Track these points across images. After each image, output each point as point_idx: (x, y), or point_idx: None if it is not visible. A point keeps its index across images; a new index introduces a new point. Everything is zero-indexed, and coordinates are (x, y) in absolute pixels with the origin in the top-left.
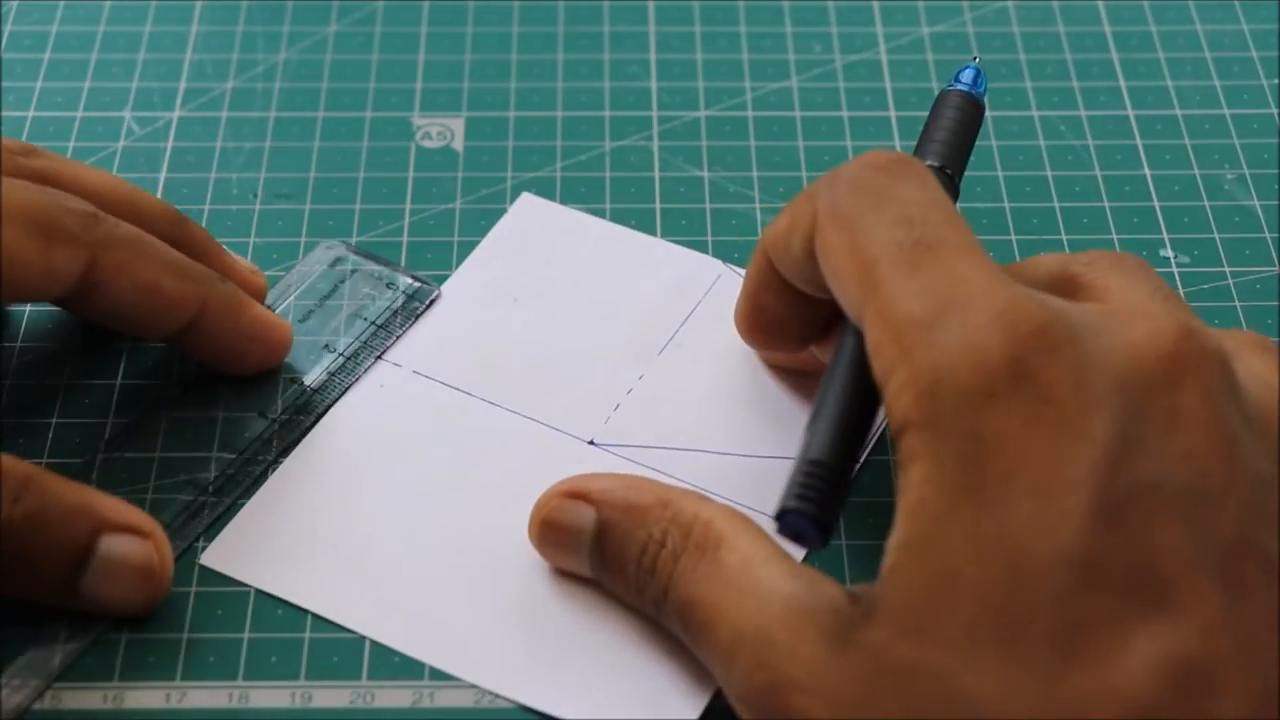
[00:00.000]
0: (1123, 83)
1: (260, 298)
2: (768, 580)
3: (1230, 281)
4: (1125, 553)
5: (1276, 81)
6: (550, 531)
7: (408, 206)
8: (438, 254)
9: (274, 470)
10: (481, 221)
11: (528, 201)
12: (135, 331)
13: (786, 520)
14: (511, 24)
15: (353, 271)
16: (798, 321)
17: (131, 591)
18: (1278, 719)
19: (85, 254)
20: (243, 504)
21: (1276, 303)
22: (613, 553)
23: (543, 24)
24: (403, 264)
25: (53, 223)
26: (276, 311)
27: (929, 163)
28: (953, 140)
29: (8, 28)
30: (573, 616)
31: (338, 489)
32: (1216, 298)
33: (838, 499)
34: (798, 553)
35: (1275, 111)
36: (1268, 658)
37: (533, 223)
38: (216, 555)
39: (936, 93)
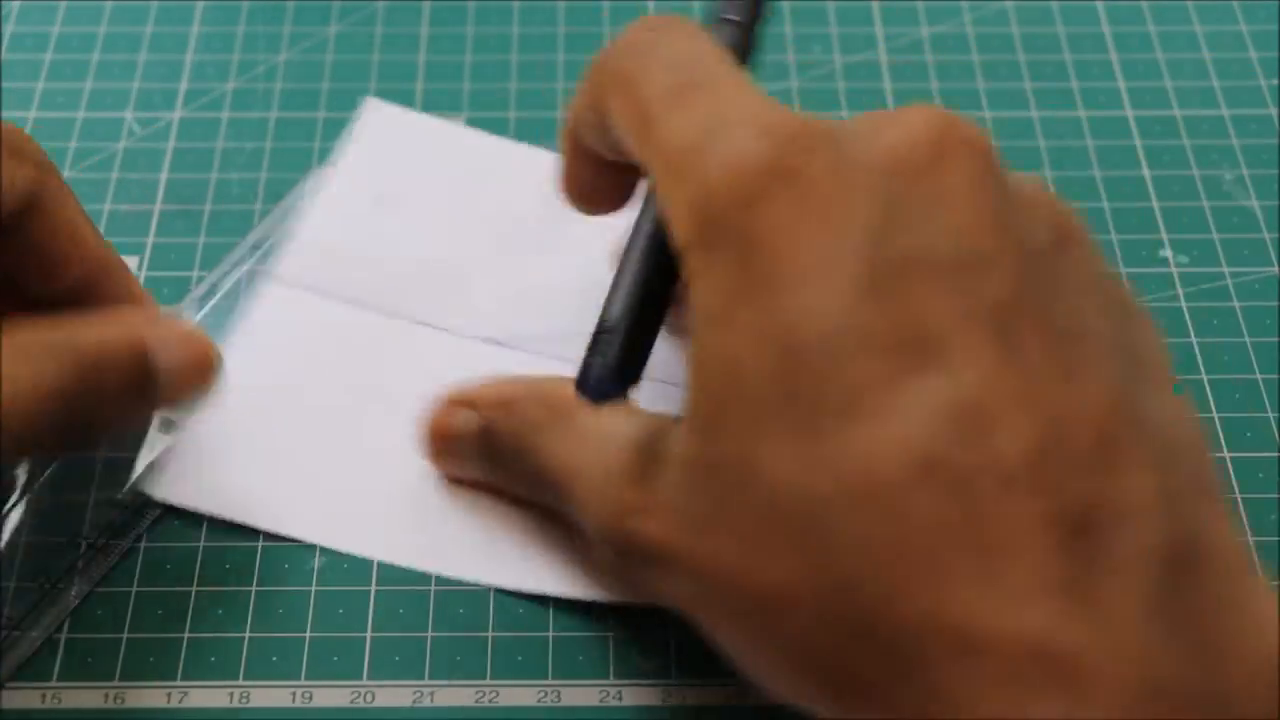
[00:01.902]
0: (1122, 83)
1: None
2: (610, 425)
3: (1229, 282)
4: (894, 318)
5: (1275, 82)
6: (438, 440)
7: None
8: None
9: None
10: None
11: (376, 109)
12: (52, 265)
13: (585, 379)
14: (512, 25)
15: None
16: (612, 187)
17: (192, 361)
18: (1060, 457)
19: (37, 173)
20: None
21: (1276, 303)
22: (494, 447)
23: (543, 25)
24: None
25: (15, 139)
26: None
27: (727, 16)
28: (735, 32)
29: (9, 28)
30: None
31: (262, 411)
32: (1215, 298)
33: (634, 354)
34: None
35: (1274, 112)
36: (1048, 401)
37: (388, 131)
38: (164, 488)
39: (936, 91)
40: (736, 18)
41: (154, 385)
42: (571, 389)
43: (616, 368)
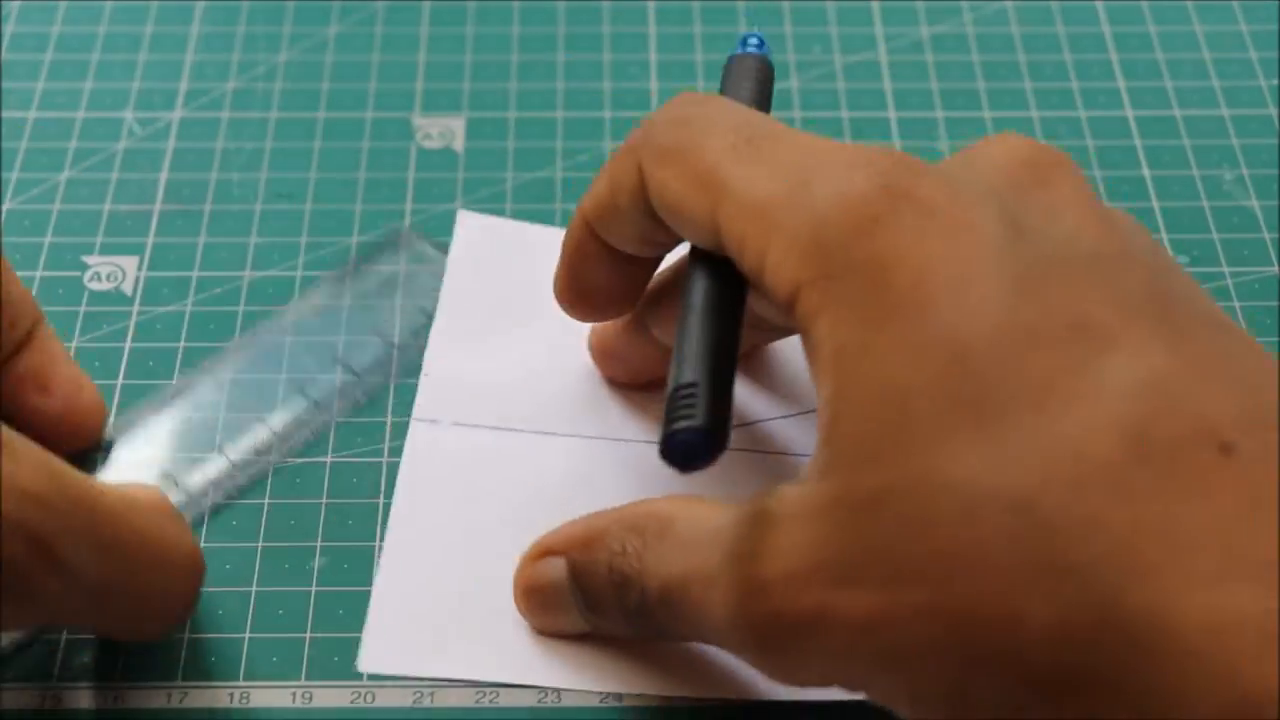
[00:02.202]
0: (1122, 83)
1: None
2: (709, 517)
3: (1229, 282)
4: (1059, 312)
5: (1275, 82)
6: (533, 596)
7: (408, 207)
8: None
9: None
10: None
11: (469, 220)
12: None
13: (673, 444)
14: (512, 25)
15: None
16: (620, 288)
17: None
18: (1269, 420)
19: None
20: None
21: (1276, 303)
22: (590, 588)
23: (543, 25)
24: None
25: None
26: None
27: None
28: (754, 101)
29: (8, 28)
30: None
31: (445, 556)
32: (1216, 298)
33: (720, 406)
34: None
35: (1274, 112)
36: (1233, 370)
37: (483, 242)
38: (370, 660)
39: (936, 91)
40: (749, 93)
41: None
42: (658, 507)
43: (704, 425)
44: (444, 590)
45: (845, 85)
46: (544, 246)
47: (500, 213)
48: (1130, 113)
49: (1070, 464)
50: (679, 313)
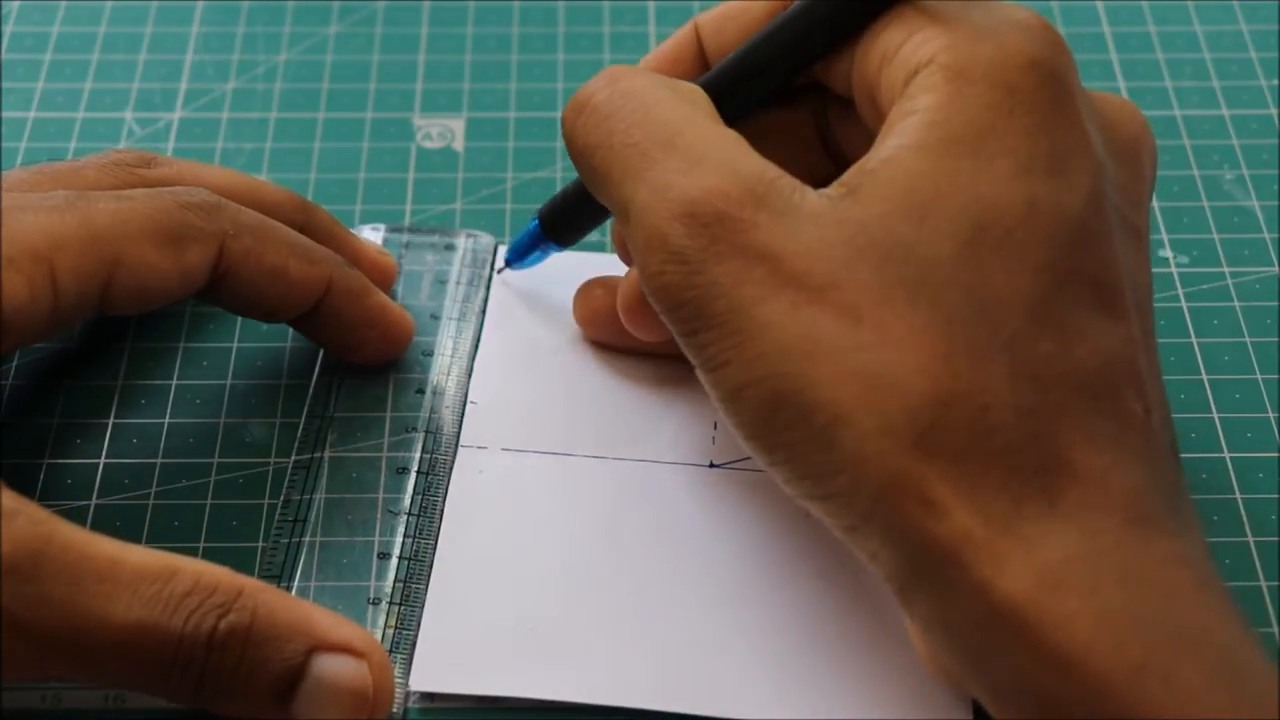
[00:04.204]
0: (1122, 83)
1: (388, 281)
2: (718, 143)
3: (1229, 282)
4: (1096, 255)
5: (1276, 82)
6: (627, 302)
7: (408, 207)
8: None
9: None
10: (482, 222)
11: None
12: (260, 315)
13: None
14: (512, 25)
15: (406, 245)
16: None
17: (344, 715)
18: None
19: (214, 246)
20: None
21: (1276, 303)
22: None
23: (543, 25)
24: (404, 265)
25: (178, 224)
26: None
27: None
28: None
29: (9, 28)
30: (793, 623)
31: (496, 577)
32: (1216, 298)
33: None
34: None
35: (1274, 112)
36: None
37: (524, 274)
38: (424, 677)
39: None
40: None
41: (283, 710)
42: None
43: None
44: (494, 610)
45: None
46: (586, 272)
47: (500, 213)
48: None
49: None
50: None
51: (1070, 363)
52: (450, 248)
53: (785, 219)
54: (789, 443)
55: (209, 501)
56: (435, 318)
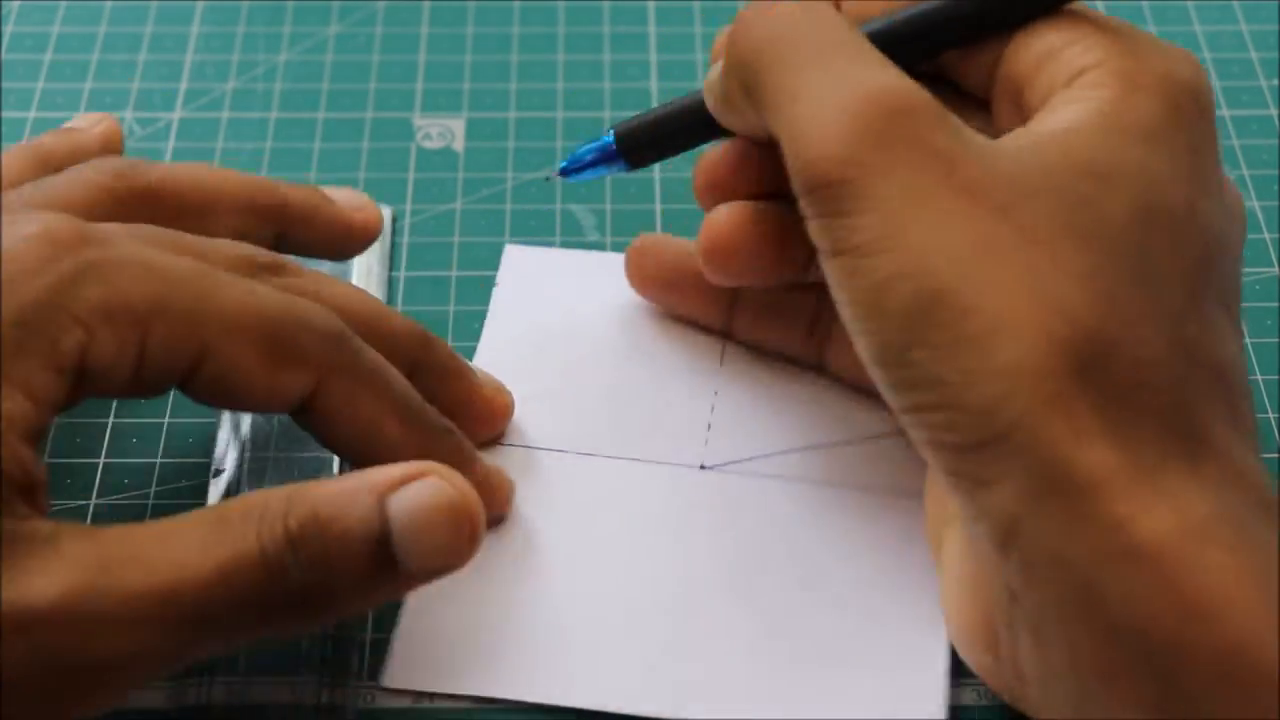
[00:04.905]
0: None
1: (503, 418)
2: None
3: None
4: (1232, 273)
5: (1276, 83)
6: (719, 246)
7: (409, 207)
8: (438, 254)
9: None
10: (482, 222)
11: (516, 254)
12: (347, 458)
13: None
14: (512, 25)
15: None
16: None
17: (447, 534)
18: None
19: (314, 377)
20: None
21: (1276, 303)
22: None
23: (543, 25)
24: (404, 265)
25: (289, 343)
26: None
27: None
28: None
29: (9, 28)
30: (773, 627)
31: (477, 575)
32: None
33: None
34: None
35: (1275, 113)
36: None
37: (528, 274)
38: (398, 675)
39: None
40: None
41: (393, 569)
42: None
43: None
44: (475, 608)
45: None
46: (589, 273)
47: (500, 213)
48: None
49: None
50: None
51: (1210, 352)
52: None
53: (968, 138)
54: (935, 343)
55: (209, 501)
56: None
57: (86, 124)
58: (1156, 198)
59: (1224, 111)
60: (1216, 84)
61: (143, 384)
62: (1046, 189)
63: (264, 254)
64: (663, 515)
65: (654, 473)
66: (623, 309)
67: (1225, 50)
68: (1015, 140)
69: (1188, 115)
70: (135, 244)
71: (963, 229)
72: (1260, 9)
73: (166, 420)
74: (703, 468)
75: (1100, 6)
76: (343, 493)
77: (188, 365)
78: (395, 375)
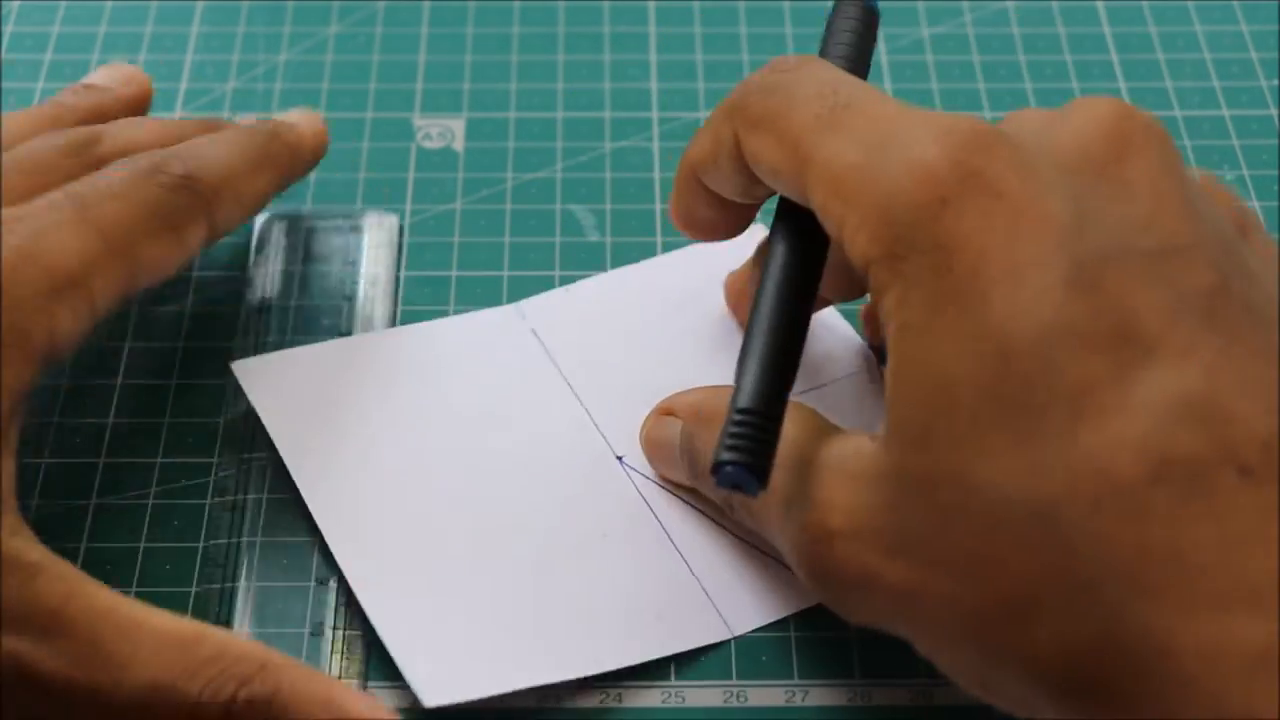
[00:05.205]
0: (1122, 84)
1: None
2: (803, 447)
3: None
4: (1108, 315)
5: (1276, 83)
6: (650, 448)
7: (408, 207)
8: (438, 254)
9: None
10: (482, 222)
11: (243, 367)
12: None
13: (723, 473)
14: (512, 25)
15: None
16: (725, 223)
17: None
18: None
19: (205, 225)
20: None
21: None
22: (694, 458)
23: (543, 25)
24: (404, 265)
25: (171, 212)
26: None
27: (836, 55)
28: (852, 54)
29: (8, 28)
30: (587, 575)
31: (413, 577)
32: None
33: (769, 442)
34: None
35: (1274, 112)
36: (1270, 388)
37: (274, 379)
38: (432, 693)
39: (936, 92)
40: (846, 44)
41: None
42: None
43: (756, 465)
44: (439, 608)
45: None
46: (334, 361)
47: (500, 213)
48: None
49: (1092, 480)
50: (760, 275)
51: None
52: (357, 230)
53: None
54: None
55: (209, 501)
56: (349, 298)
57: (111, 79)
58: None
59: (1224, 111)
60: (1216, 84)
61: (91, 331)
62: None
63: (75, 132)
64: (560, 486)
65: (587, 435)
66: (393, 378)
67: (1225, 50)
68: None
69: (918, 237)
70: (15, 211)
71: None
72: (1260, 9)
73: (166, 420)
74: (620, 460)
75: (1099, 9)
76: (308, 698)
77: (124, 294)
78: (231, 139)
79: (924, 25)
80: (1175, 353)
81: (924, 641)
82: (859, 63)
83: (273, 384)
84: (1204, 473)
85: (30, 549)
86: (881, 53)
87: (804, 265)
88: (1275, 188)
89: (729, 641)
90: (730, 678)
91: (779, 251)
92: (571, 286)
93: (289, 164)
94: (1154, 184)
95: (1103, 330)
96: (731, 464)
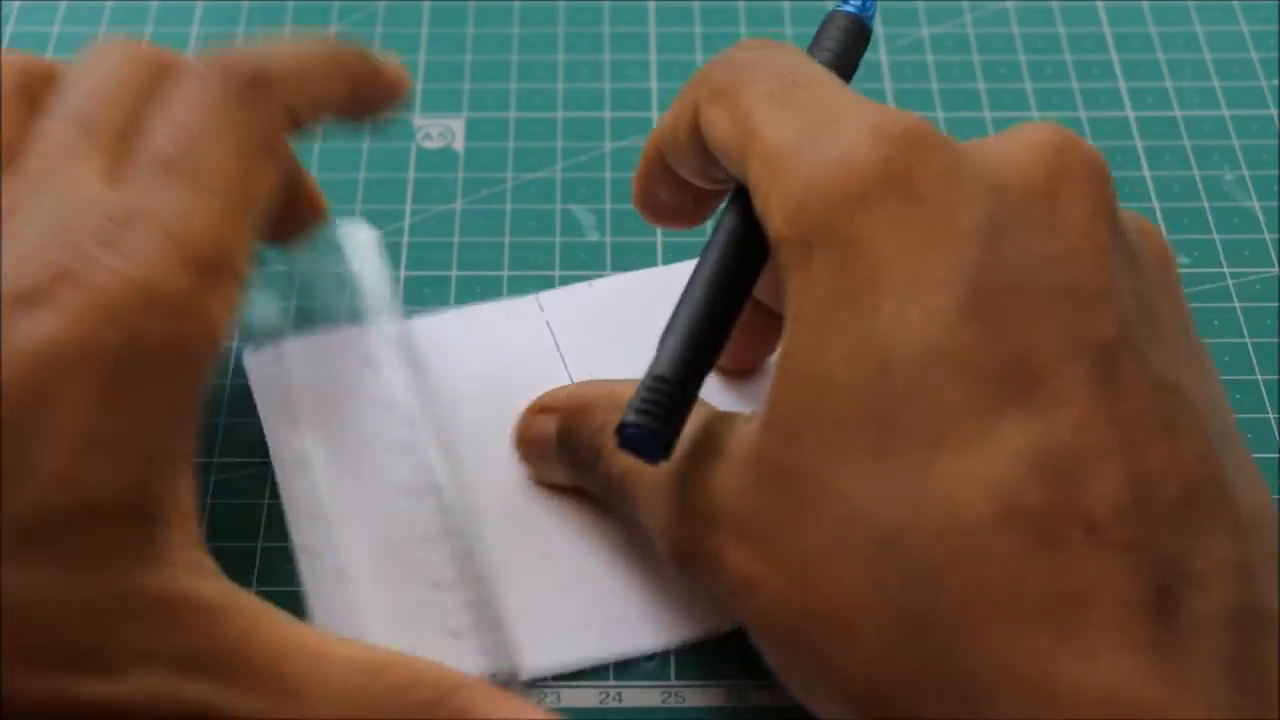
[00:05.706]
0: (1122, 84)
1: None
2: (690, 431)
3: (1230, 282)
4: (995, 346)
5: (1276, 83)
6: (524, 445)
7: (408, 207)
8: (438, 254)
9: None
10: (482, 222)
11: (253, 359)
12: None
13: (627, 433)
14: (512, 25)
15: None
16: (685, 209)
17: None
18: (1149, 513)
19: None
20: None
21: (1276, 304)
22: (572, 452)
23: (543, 25)
24: (404, 265)
25: (262, 138)
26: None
27: (823, 48)
28: (837, 61)
29: (9, 29)
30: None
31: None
32: (1216, 299)
33: (679, 414)
34: None
35: (1275, 113)
36: (1141, 454)
37: (280, 370)
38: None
39: (936, 92)
40: (831, 51)
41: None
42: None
43: (663, 431)
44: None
45: None
46: (338, 348)
47: (500, 213)
48: (1131, 113)
49: (939, 511)
50: (701, 256)
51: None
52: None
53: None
54: None
55: (208, 501)
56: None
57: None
58: None
59: (1224, 111)
60: (1216, 84)
61: None
62: None
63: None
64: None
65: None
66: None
67: (1225, 50)
68: None
69: (829, 229)
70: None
71: None
72: (1260, 9)
73: None
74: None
75: (1099, 9)
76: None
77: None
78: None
79: (924, 25)
80: (1052, 398)
81: (755, 635)
82: (841, 71)
83: (279, 373)
84: (1051, 526)
85: (207, 583)
86: (881, 53)
87: (744, 251)
88: (1275, 188)
89: (730, 641)
90: (734, 677)
91: (722, 233)
92: (596, 282)
93: (368, 77)
94: (1081, 223)
95: (985, 360)
96: (637, 426)
